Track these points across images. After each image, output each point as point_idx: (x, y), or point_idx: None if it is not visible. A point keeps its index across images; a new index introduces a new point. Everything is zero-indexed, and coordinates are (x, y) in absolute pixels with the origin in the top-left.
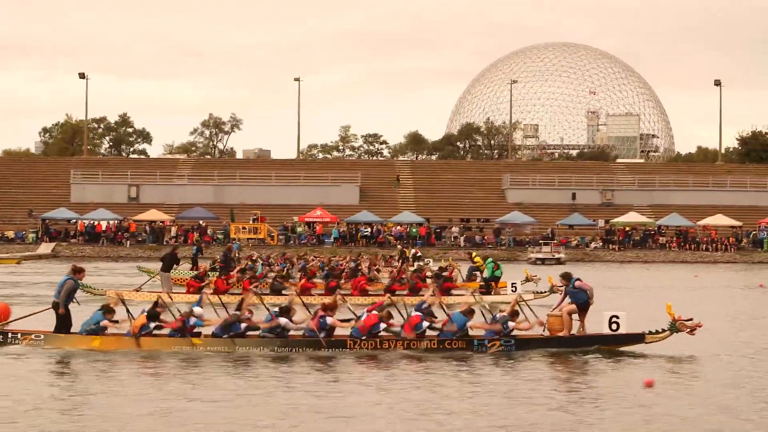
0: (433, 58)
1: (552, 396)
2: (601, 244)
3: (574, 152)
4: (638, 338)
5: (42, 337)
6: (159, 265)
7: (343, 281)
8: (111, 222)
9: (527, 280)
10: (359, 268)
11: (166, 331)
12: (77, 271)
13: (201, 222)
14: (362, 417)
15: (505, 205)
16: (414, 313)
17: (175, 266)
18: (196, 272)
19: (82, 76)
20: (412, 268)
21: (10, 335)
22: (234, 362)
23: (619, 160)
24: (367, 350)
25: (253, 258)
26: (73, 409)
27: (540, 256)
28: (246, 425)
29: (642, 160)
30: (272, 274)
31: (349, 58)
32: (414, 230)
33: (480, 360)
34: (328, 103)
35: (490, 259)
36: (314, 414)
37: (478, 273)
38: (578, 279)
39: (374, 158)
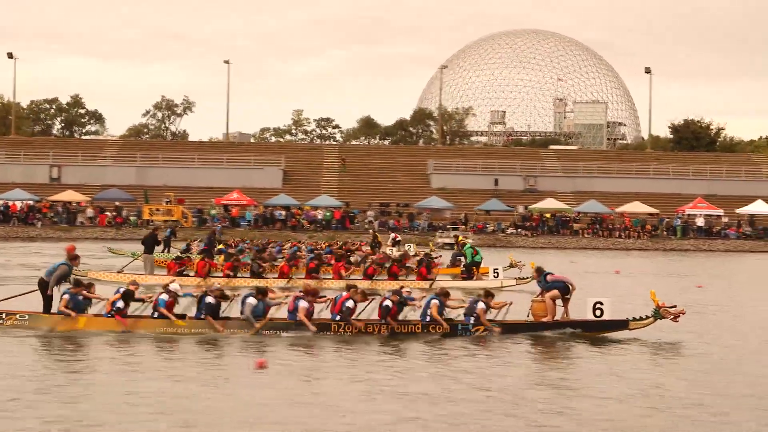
0: (416, 44)
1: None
2: (515, 230)
3: (524, 138)
4: (622, 324)
5: (27, 317)
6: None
7: (326, 265)
8: (25, 202)
9: (511, 265)
10: (344, 253)
11: (147, 311)
12: (73, 258)
13: (117, 203)
14: (337, 404)
15: (428, 190)
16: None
17: (156, 247)
18: (176, 254)
19: (10, 56)
20: (392, 252)
21: None
22: (214, 344)
23: (552, 147)
24: (350, 334)
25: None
26: (60, 393)
27: (448, 240)
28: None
29: (576, 147)
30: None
31: (330, 45)
32: (328, 214)
33: (461, 344)
34: (310, 88)
35: (468, 245)
36: (289, 400)
37: (462, 258)
38: (550, 273)
39: (300, 141)
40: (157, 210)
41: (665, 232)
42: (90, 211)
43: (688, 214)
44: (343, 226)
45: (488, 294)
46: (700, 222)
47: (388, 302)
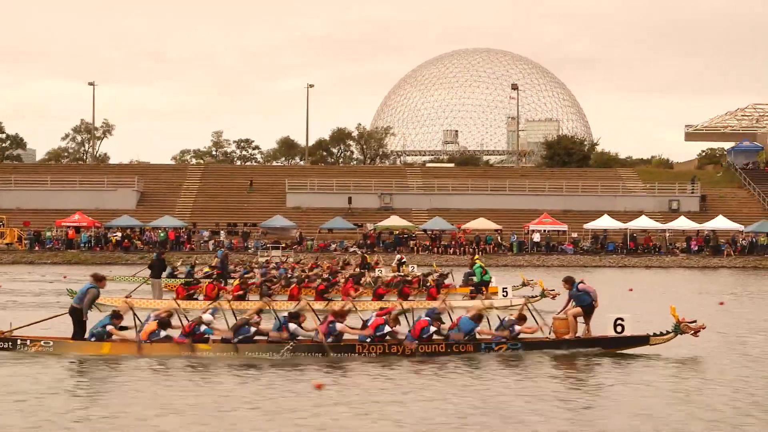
0: (398, 62)
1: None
2: (357, 249)
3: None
4: (643, 340)
5: (51, 343)
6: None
7: (338, 286)
8: None
9: (523, 284)
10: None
11: (175, 336)
12: (99, 279)
13: None
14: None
15: (284, 209)
16: (423, 318)
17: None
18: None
19: None
20: (406, 273)
21: (19, 342)
22: (240, 368)
23: (429, 164)
24: (375, 355)
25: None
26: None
27: (268, 260)
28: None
29: (451, 165)
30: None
31: (313, 64)
32: (162, 234)
33: (486, 363)
34: (291, 106)
35: (477, 265)
36: (319, 416)
37: (474, 278)
38: (581, 282)
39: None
40: None
41: (509, 249)
42: None
43: (532, 230)
44: (180, 247)
45: (522, 318)
46: (536, 238)
47: (432, 328)
